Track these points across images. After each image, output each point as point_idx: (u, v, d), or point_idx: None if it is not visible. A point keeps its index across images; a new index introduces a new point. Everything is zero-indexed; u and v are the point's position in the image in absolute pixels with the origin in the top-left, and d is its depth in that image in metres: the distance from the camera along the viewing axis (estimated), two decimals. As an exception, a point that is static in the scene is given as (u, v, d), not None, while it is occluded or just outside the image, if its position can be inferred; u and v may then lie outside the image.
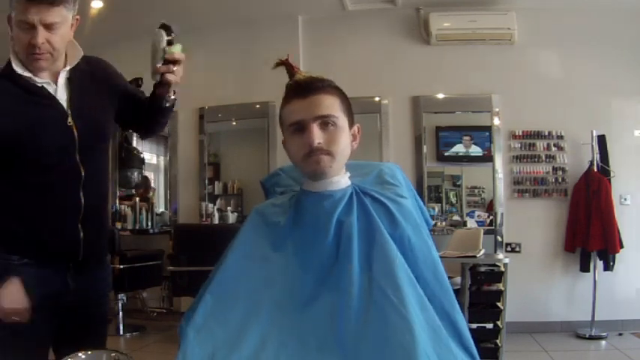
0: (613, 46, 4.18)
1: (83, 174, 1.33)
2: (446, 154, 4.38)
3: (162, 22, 1.31)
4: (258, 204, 1.25)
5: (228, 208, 4.64)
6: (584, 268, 4.01)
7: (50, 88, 1.31)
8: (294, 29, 4.46)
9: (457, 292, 3.01)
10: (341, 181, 1.13)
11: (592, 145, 3.97)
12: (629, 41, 4.17)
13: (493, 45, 4.25)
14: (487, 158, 4.29)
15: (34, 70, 1.28)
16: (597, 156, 3.99)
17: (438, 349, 0.93)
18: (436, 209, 4.35)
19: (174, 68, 1.32)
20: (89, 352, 1.12)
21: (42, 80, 1.30)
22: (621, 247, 3.89)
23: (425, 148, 4.35)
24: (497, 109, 4.28)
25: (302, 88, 1.09)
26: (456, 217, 4.32)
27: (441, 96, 4.39)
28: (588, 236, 3.90)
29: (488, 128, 4.30)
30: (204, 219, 4.57)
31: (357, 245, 1.05)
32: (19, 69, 1.27)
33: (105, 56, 1.50)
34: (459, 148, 4.37)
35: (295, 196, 1.18)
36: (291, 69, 1.16)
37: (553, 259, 4.17)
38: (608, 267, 3.91)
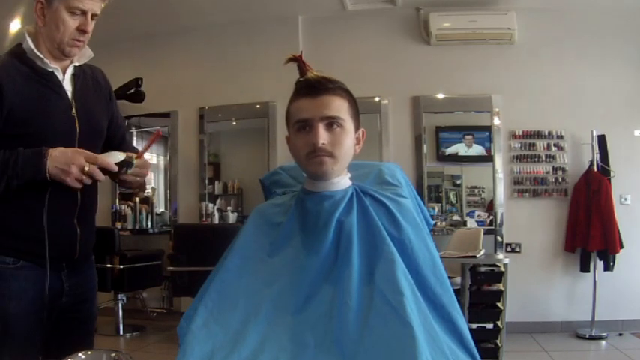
0: (613, 46, 4.18)
1: None
2: (446, 153, 4.38)
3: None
4: (260, 204, 1.25)
5: (228, 208, 4.64)
6: (584, 268, 4.01)
7: (59, 76, 1.34)
8: (294, 29, 4.47)
9: (457, 292, 3.01)
10: (342, 181, 1.13)
11: (592, 145, 3.97)
12: (629, 41, 4.17)
13: (493, 45, 4.25)
14: (487, 158, 4.29)
15: (60, 57, 1.32)
16: (597, 156, 3.98)
17: (434, 354, 0.93)
18: (436, 209, 4.35)
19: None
20: (89, 352, 1.11)
21: (53, 66, 1.33)
22: (621, 247, 3.88)
23: (425, 148, 4.35)
24: (497, 109, 4.27)
25: (312, 87, 1.08)
26: (456, 217, 4.32)
27: (441, 96, 4.38)
28: (588, 236, 3.90)
29: (489, 128, 4.30)
30: (204, 219, 4.57)
31: (356, 246, 1.05)
32: (37, 52, 1.30)
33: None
34: (459, 148, 4.37)
35: (296, 196, 1.18)
36: (303, 66, 1.15)
37: (553, 259, 4.17)
38: (608, 267, 3.91)
